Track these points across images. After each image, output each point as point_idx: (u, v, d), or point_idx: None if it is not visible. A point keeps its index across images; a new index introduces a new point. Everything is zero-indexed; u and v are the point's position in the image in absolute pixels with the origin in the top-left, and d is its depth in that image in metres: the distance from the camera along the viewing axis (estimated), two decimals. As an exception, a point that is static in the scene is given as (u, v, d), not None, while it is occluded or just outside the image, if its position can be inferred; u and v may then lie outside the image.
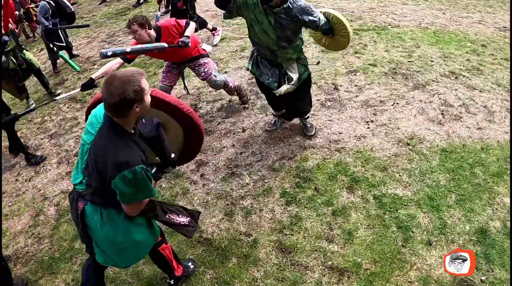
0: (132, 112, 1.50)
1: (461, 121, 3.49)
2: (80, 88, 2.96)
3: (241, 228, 2.67)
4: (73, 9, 5.25)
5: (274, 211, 2.74)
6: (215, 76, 3.41)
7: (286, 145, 3.28)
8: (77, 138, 3.90)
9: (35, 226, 3.06)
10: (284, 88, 2.81)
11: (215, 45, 5.21)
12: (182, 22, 3.19)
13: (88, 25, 5.30)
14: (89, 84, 2.92)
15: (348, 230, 2.52)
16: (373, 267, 2.30)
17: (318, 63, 3.49)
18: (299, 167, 3.03)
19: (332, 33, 2.80)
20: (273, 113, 3.41)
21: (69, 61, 4.77)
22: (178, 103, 1.86)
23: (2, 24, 4.12)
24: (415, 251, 2.37)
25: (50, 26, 4.82)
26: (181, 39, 3.08)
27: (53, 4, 4.91)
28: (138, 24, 2.95)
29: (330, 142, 3.26)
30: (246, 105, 3.78)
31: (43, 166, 3.77)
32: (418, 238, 2.45)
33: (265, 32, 2.60)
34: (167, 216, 1.93)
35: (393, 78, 4.14)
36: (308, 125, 3.33)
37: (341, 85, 4.02)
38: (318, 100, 3.78)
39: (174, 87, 3.58)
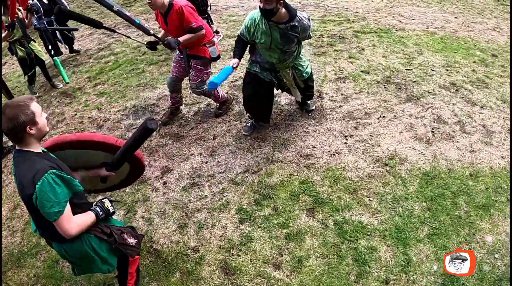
0: (27, 134, 1.53)
1: (452, 141, 3.10)
2: (146, 44, 3.18)
3: (191, 243, 2.48)
4: (67, 6, 5.08)
5: (226, 228, 2.52)
6: (197, 87, 3.22)
7: (253, 157, 3.03)
8: (60, 134, 3.78)
9: (11, 219, 3.04)
10: (297, 95, 3.13)
11: None
12: (194, 18, 2.95)
13: (76, 29, 5.13)
14: (153, 45, 3.16)
15: (299, 258, 2.27)
16: (318, 303, 2.04)
17: None
18: (262, 182, 2.78)
19: None
20: (249, 116, 3.25)
21: (62, 70, 4.53)
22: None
23: (9, 13, 4.02)
24: (368, 290, 2.08)
25: (38, 26, 4.60)
26: (171, 39, 2.95)
27: (46, 2, 4.73)
28: None
29: (300, 156, 2.98)
30: (221, 112, 3.54)
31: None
32: (374, 274, 2.15)
33: (271, 49, 2.71)
34: (122, 236, 1.88)
35: (385, 87, 3.77)
36: (310, 103, 3.44)
37: (326, 93, 3.69)
38: (298, 108, 3.48)
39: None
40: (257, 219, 2.54)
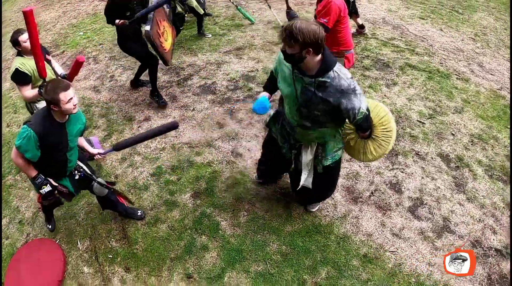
0: (51, 108, 1.77)
1: (383, 213, 2.41)
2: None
3: (118, 171, 2.84)
4: None
5: (141, 174, 2.80)
6: None
7: (202, 136, 3.09)
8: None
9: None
10: (303, 179, 2.00)
11: None
12: (327, 17, 2.43)
13: None
14: None
15: (156, 218, 2.41)
16: None
17: None
18: (189, 156, 2.89)
19: (367, 133, 1.82)
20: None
21: (245, 13, 4.32)
22: None
23: None
24: None
25: None
26: (292, 12, 2.88)
27: None
28: None
29: (232, 152, 2.85)
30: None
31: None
32: (188, 265, 2.14)
33: (289, 103, 1.78)
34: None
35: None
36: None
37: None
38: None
39: None
40: (161, 179, 2.69)
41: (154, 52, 3.13)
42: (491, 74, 3.78)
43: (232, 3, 4.63)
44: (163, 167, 2.81)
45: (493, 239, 2.27)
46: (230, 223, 2.33)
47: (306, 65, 1.56)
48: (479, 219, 2.37)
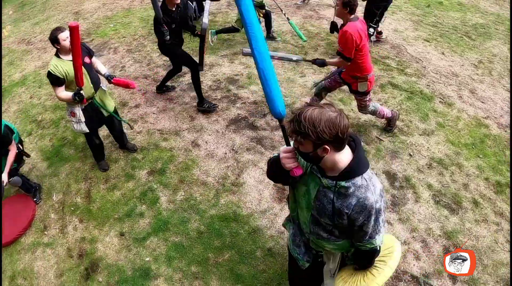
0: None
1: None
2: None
3: (106, 152, 3.26)
4: None
5: (118, 152, 3.18)
6: (361, 110, 2.99)
7: (175, 125, 3.44)
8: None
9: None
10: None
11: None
12: (348, 47, 2.50)
13: None
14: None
15: (114, 185, 2.80)
16: None
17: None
18: (158, 141, 3.25)
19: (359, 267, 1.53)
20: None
21: (298, 30, 4.23)
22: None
23: None
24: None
25: None
26: (319, 60, 2.80)
27: None
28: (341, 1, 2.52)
29: (192, 142, 3.16)
30: (390, 128, 3.14)
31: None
32: (124, 225, 2.46)
33: (299, 204, 1.41)
34: None
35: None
36: None
37: (270, 115, 3.36)
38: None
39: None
40: (129, 156, 3.12)
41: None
42: (482, 102, 3.55)
43: (284, 14, 4.34)
44: (136, 147, 3.20)
45: (414, 265, 2.20)
46: (168, 199, 2.61)
47: (325, 164, 1.20)
48: (404, 241, 2.31)
